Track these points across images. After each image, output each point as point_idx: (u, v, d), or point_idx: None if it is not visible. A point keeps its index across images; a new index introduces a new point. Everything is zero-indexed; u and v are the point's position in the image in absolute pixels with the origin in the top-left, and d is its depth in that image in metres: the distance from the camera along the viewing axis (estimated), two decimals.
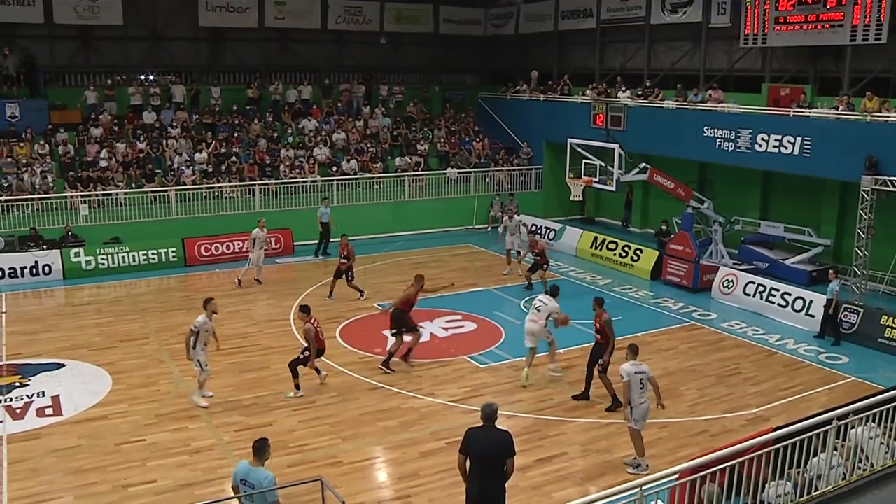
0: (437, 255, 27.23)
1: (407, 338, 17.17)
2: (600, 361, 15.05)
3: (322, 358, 17.10)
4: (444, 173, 31.90)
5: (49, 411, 14.97)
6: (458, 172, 31.97)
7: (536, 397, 15.47)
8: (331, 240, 26.85)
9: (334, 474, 12.21)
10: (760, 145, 23.58)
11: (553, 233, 29.00)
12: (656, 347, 18.46)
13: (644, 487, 8.18)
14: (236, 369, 16.83)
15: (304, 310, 15.52)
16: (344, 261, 21.91)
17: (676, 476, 8.84)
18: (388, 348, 17.28)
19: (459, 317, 20.37)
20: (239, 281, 23.42)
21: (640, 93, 29.61)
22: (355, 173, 30.77)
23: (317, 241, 27.25)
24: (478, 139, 34.69)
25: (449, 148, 33.85)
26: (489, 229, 31.17)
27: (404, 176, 31.01)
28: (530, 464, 12.72)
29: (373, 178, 30.74)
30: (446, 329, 19.56)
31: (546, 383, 16.22)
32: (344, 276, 22.04)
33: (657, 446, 13.47)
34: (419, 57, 38.85)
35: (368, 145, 32.60)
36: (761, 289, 21.52)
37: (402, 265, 25.75)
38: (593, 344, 15.40)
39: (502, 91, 36.57)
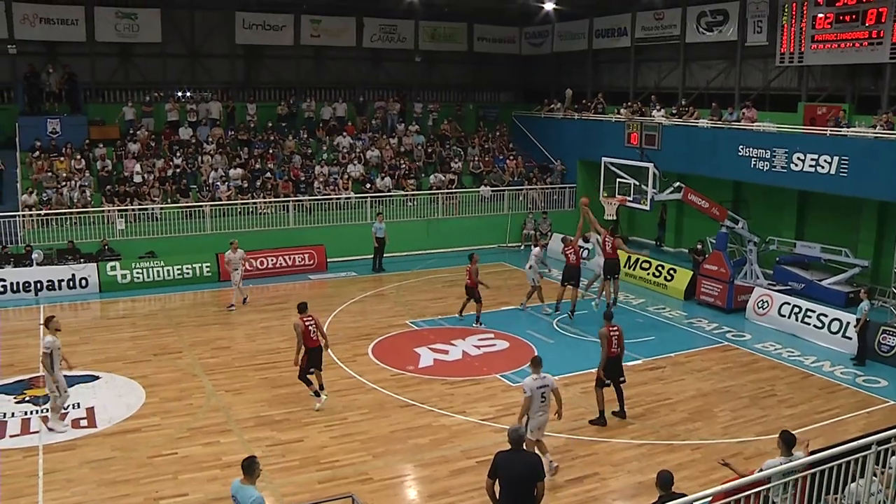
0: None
1: None
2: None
3: (355, 375, 17.21)
4: (478, 191, 31.91)
5: (84, 423, 15.12)
6: (492, 190, 31.97)
7: (569, 416, 15.29)
8: (385, 254, 27.21)
9: (364, 491, 12.18)
10: (796, 165, 23.37)
11: (586, 251, 28.82)
12: (689, 368, 18.29)
13: None
14: (268, 385, 16.89)
15: (301, 308, 15.87)
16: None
17: (710, 499, 8.73)
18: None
19: (492, 335, 20.31)
20: (231, 306, 23.12)
21: (674, 112, 29.48)
22: (389, 190, 30.87)
23: (371, 256, 27.49)
24: (511, 157, 34.68)
25: (483, 166, 33.89)
26: (522, 247, 31.13)
27: (438, 193, 31.08)
28: (561, 483, 12.62)
29: (406, 195, 30.83)
30: (478, 347, 19.49)
31: (578, 402, 16.10)
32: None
33: (690, 468, 13.29)
34: (454, 75, 39.03)
35: (402, 162, 32.69)
36: (797, 310, 21.24)
37: (434, 282, 25.77)
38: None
39: (536, 109, 36.60)
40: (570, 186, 33.26)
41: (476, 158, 34.29)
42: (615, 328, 15.28)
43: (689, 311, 23.15)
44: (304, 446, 14.08)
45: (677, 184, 23.98)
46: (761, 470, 9.57)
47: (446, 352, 19.12)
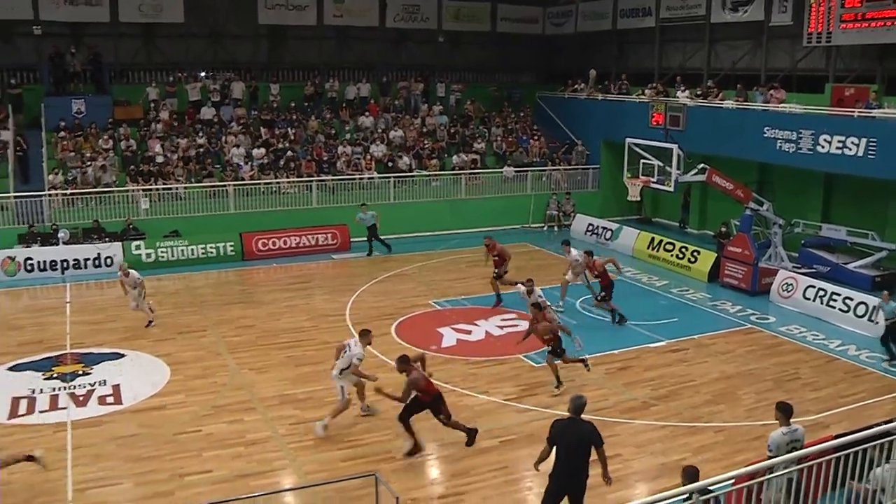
0: None
1: None
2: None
3: (378, 354, 17.21)
4: (501, 171, 31.84)
5: (110, 399, 15.29)
6: (515, 171, 31.89)
7: (592, 398, 15.10)
8: (381, 238, 27.18)
9: (388, 470, 12.23)
10: (823, 146, 23.12)
11: (609, 233, 28.79)
12: (713, 350, 18.21)
13: (699, 490, 8.08)
14: (292, 363, 16.98)
15: (403, 360, 13.05)
16: (496, 258, 21.54)
17: (733, 481, 8.72)
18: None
19: (514, 315, 20.30)
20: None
21: (699, 93, 29.25)
22: (412, 171, 30.86)
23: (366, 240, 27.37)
24: (535, 138, 34.56)
25: (506, 146, 33.78)
26: (545, 228, 31.07)
27: (461, 174, 31.02)
28: None
29: (430, 175, 30.80)
30: (501, 328, 19.51)
31: (603, 383, 16.10)
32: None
33: (713, 450, 13.28)
34: (477, 55, 38.86)
35: (425, 143, 32.65)
36: (822, 293, 21.06)
37: (457, 263, 25.79)
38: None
39: (560, 90, 36.39)
40: (593, 167, 33.11)
41: (499, 139, 34.18)
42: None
43: (713, 294, 23.04)
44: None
45: (701, 165, 23.84)
46: (769, 448, 9.63)
47: (469, 332, 19.17)
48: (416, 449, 13.00)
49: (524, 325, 19.18)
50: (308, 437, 13.67)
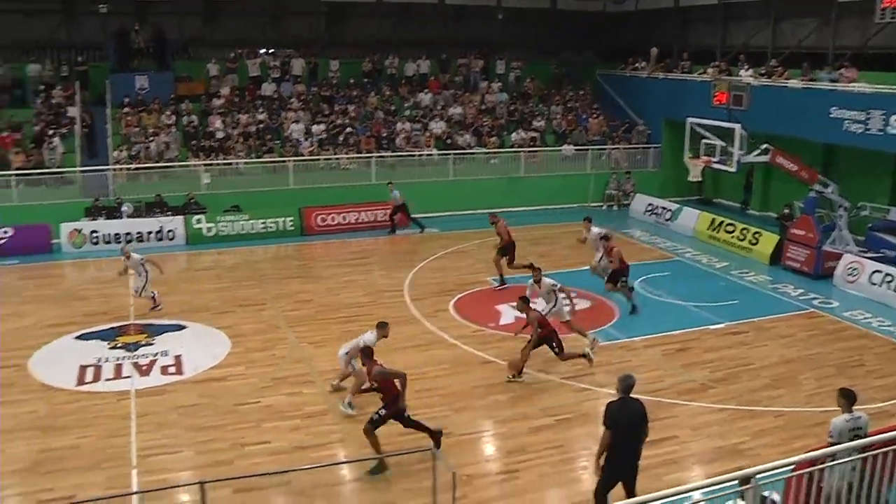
0: (550, 231, 26.99)
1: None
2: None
3: (436, 330, 17.29)
4: (560, 150, 31.62)
5: (172, 370, 15.59)
6: (575, 149, 31.64)
7: (648, 378, 15.17)
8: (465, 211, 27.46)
9: (444, 445, 12.25)
10: (894, 127, 22.53)
11: (669, 213, 28.45)
12: (774, 334, 17.90)
13: (758, 476, 7.98)
14: (350, 337, 16.91)
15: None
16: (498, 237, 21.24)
17: (793, 467, 8.59)
18: None
19: (574, 293, 20.12)
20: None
21: (763, 72, 28.66)
22: (471, 148, 30.79)
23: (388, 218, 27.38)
24: (594, 116, 34.22)
25: (565, 124, 33.52)
26: (604, 207, 30.83)
27: (520, 151, 30.88)
28: None
29: (488, 153, 30.71)
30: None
31: (660, 364, 15.96)
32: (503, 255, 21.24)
33: (772, 434, 13.09)
34: (537, 32, 38.48)
35: (485, 120, 32.53)
36: (889, 278, 20.50)
37: (516, 240, 25.61)
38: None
39: (621, 68, 35.95)
40: (654, 146, 32.72)
41: (559, 117, 33.92)
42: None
43: (775, 276, 22.62)
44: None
45: (765, 146, 23.41)
46: (830, 434, 9.44)
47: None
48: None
49: (583, 304, 19.16)
50: (366, 410, 13.71)
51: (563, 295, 16.55)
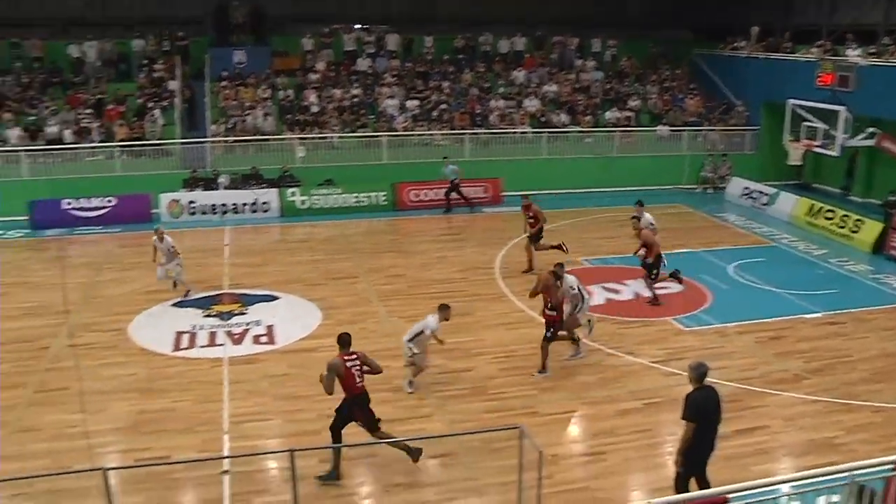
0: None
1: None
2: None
3: (525, 309, 17.14)
4: (656, 130, 31.05)
5: (264, 339, 15.87)
6: (670, 130, 31.03)
7: (740, 366, 14.82)
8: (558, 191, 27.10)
9: (530, 424, 12.09)
10: None
11: (766, 197, 27.67)
12: (874, 326, 17.15)
13: (855, 473, 7.69)
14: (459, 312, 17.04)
15: (342, 342, 11.23)
16: (531, 220, 20.60)
17: (893, 467, 8.25)
18: None
19: (666, 277, 19.81)
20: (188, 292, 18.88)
21: (873, 51, 27.52)
22: (565, 126, 30.46)
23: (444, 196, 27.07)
24: (691, 96, 33.48)
25: (661, 104, 32.88)
26: (699, 190, 30.17)
27: (614, 131, 30.42)
28: (729, 433, 11.99)
29: (582, 132, 30.34)
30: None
31: (753, 351, 15.56)
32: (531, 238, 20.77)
33: (868, 431, 12.57)
34: (634, 10, 37.80)
35: (579, 98, 32.12)
36: None
37: (608, 221, 25.36)
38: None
39: (720, 47, 35.01)
40: (752, 129, 31.84)
41: (655, 97, 33.29)
42: (353, 356, 11.12)
43: (877, 266, 21.71)
44: (472, 376, 14.27)
45: (871, 129, 22.55)
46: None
47: (618, 291, 18.87)
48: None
49: (675, 288, 18.81)
50: (454, 386, 13.80)
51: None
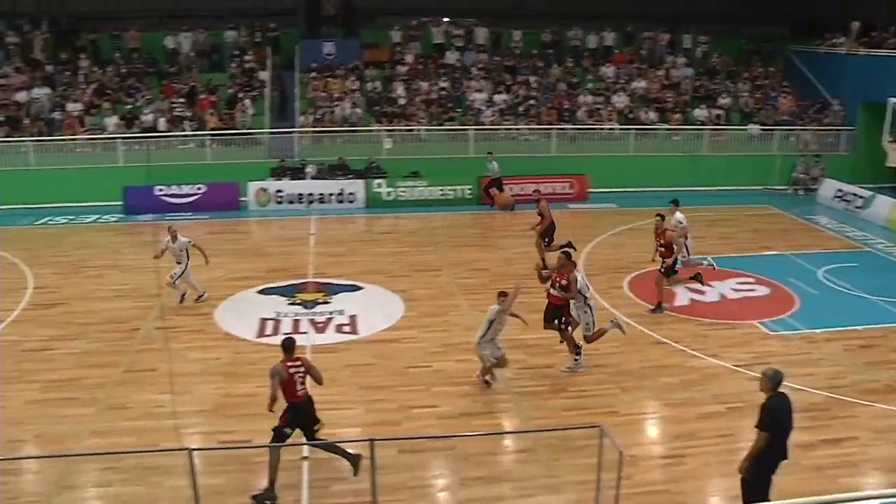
0: (731, 213, 25.99)
1: None
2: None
3: (609, 307, 16.96)
4: (746, 129, 30.38)
5: (347, 329, 16.04)
6: (761, 129, 30.33)
7: (829, 374, 14.38)
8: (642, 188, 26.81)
9: (609, 423, 11.92)
10: None
11: (861, 200, 26.82)
12: None
13: None
14: (524, 309, 16.81)
15: (285, 347, 10.97)
16: (540, 215, 20.25)
17: None
18: None
19: (752, 279, 19.37)
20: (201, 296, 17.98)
21: None
22: (653, 123, 30.06)
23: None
24: (784, 95, 32.65)
25: (753, 102, 32.16)
26: (790, 191, 29.44)
27: (703, 129, 29.87)
28: (815, 443, 11.78)
29: (671, 129, 29.87)
30: (737, 291, 18.69)
31: (841, 359, 15.10)
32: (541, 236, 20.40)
33: None
34: (727, 5, 36.97)
35: (668, 95, 31.65)
36: None
37: (694, 221, 24.75)
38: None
39: (816, 43, 34.01)
40: (848, 129, 30.89)
41: (746, 94, 32.57)
42: (297, 362, 10.84)
43: None
44: (553, 372, 14.20)
45: None
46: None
47: (703, 292, 18.48)
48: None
49: (762, 290, 18.42)
50: (534, 382, 13.74)
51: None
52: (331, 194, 25.92)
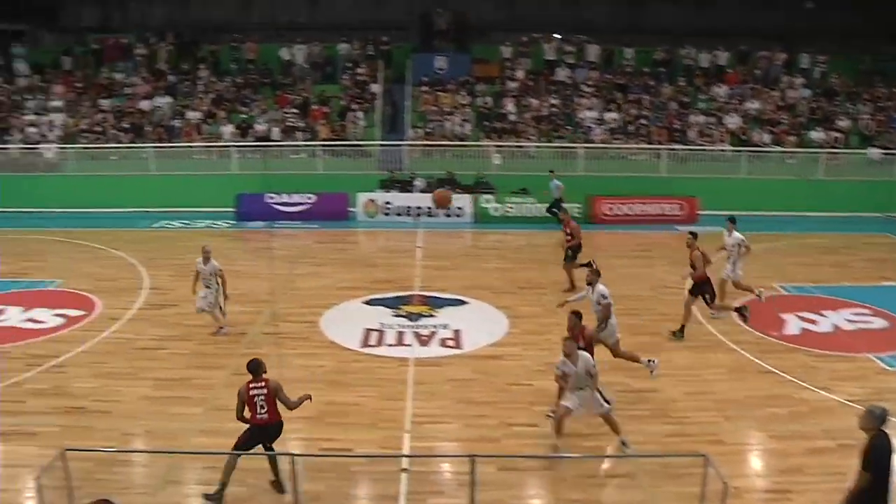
0: (847, 241, 25.07)
1: None
2: None
3: (716, 333, 16.62)
4: (866, 152, 29.41)
5: (450, 343, 16.11)
6: (882, 153, 29.30)
7: None
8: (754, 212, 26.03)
9: (713, 452, 11.66)
10: None
11: None
12: None
13: None
14: (628, 331, 16.62)
15: (251, 368, 10.75)
16: (569, 237, 19.97)
17: None
18: None
19: (868, 311, 18.60)
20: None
21: None
22: (766, 145, 29.38)
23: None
24: None
25: (874, 125, 31.10)
26: None
27: (820, 152, 29.03)
28: None
29: (785, 152, 29.13)
30: (852, 322, 17.99)
31: None
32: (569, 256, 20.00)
33: None
34: (848, 23, 35.76)
35: (783, 117, 30.89)
36: None
37: (808, 247, 24.24)
38: None
39: None
40: None
41: (867, 116, 31.53)
42: (260, 384, 10.60)
43: None
44: (655, 397, 13.91)
45: None
46: None
47: (815, 322, 17.90)
48: None
49: (879, 322, 17.77)
50: (634, 406, 13.51)
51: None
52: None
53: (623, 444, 11.90)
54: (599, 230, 25.88)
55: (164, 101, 30.44)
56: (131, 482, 11.01)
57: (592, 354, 12.36)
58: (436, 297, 18.62)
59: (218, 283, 16.39)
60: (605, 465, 11.90)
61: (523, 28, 33.96)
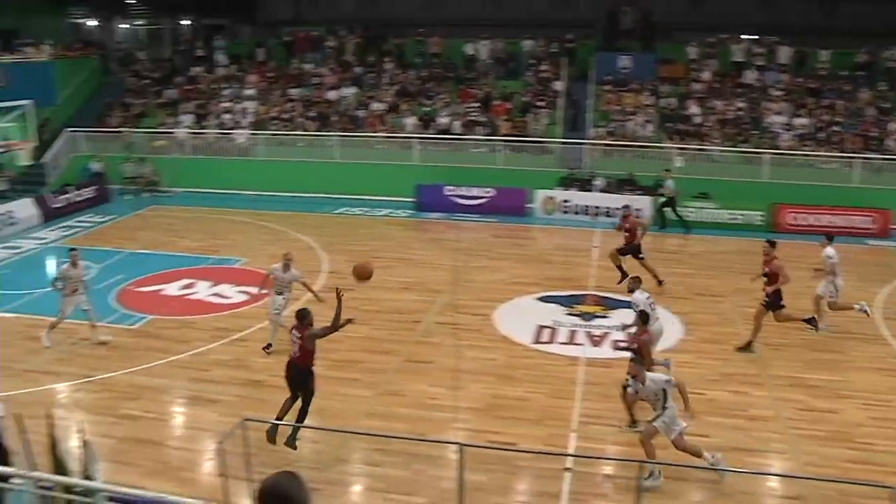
0: None
1: None
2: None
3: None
4: None
5: (623, 345, 15.90)
6: None
7: None
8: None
9: None
10: None
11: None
12: None
13: None
14: (808, 346, 16.14)
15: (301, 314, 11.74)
16: (627, 233, 19.49)
17: None
18: None
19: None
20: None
21: None
22: None
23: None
24: None
25: None
26: None
27: None
28: None
29: None
30: None
31: None
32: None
33: None
34: None
35: None
36: None
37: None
38: None
39: None
40: None
41: None
42: (300, 333, 11.67)
43: None
44: (837, 419, 13.26)
45: None
46: None
47: None
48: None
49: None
50: (815, 426, 12.99)
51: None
52: (617, 209, 25.79)
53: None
54: (783, 239, 24.82)
55: (350, 91, 31.60)
56: (301, 456, 11.49)
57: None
58: (611, 299, 18.49)
59: (290, 292, 15.62)
60: (773, 483, 11.51)
61: (710, 29, 33.12)
